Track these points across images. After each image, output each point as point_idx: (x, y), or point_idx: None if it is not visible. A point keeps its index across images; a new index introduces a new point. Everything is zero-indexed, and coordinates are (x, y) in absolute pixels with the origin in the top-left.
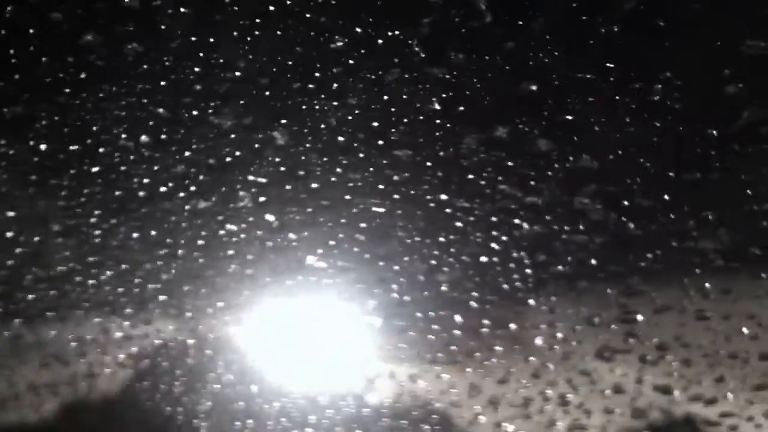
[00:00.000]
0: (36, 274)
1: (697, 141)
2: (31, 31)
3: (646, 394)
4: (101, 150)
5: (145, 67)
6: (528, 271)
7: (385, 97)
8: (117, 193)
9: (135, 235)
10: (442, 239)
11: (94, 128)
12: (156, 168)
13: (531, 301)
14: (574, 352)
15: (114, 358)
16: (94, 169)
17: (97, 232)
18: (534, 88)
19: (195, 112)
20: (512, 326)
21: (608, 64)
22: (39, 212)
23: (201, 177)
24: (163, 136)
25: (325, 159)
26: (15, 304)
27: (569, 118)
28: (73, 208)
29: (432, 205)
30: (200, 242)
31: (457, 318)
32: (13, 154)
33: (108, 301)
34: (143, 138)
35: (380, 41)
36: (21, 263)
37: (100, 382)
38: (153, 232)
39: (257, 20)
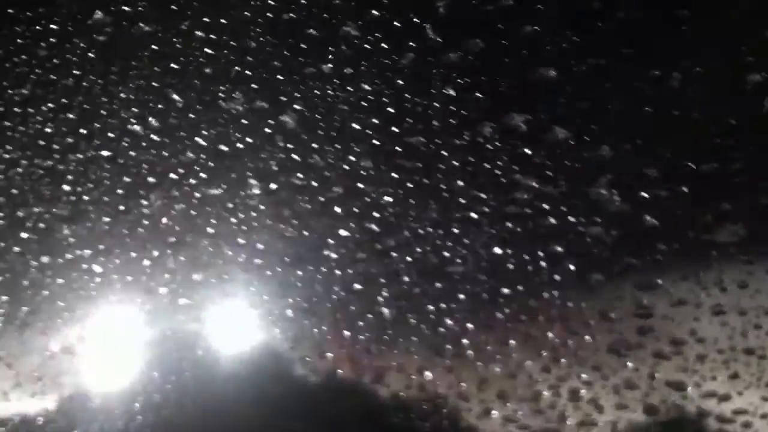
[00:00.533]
0: (42, 261)
1: (717, 131)
2: (39, 11)
3: (659, 390)
4: (109, 134)
5: (154, 49)
6: (542, 263)
7: (400, 83)
8: (125, 178)
9: (143, 222)
10: (455, 230)
11: (102, 112)
12: (165, 154)
13: (544, 294)
14: (587, 347)
15: (121, 348)
16: (102, 154)
17: (105, 219)
18: (552, 74)
19: (205, 97)
20: (524, 319)
21: (628, 51)
22: (45, 198)
23: (211, 163)
24: (172, 121)
25: (337, 146)
26: (21, 292)
27: (587, 106)
28: (80, 194)
29: (445, 194)
30: (209, 230)
31: (469, 310)
32: (19, 137)
33: (115, 290)
34: (152, 122)
35: (395, 24)
36: (27, 250)
37: (106, 372)
38: (161, 220)
39: (270, 2)
